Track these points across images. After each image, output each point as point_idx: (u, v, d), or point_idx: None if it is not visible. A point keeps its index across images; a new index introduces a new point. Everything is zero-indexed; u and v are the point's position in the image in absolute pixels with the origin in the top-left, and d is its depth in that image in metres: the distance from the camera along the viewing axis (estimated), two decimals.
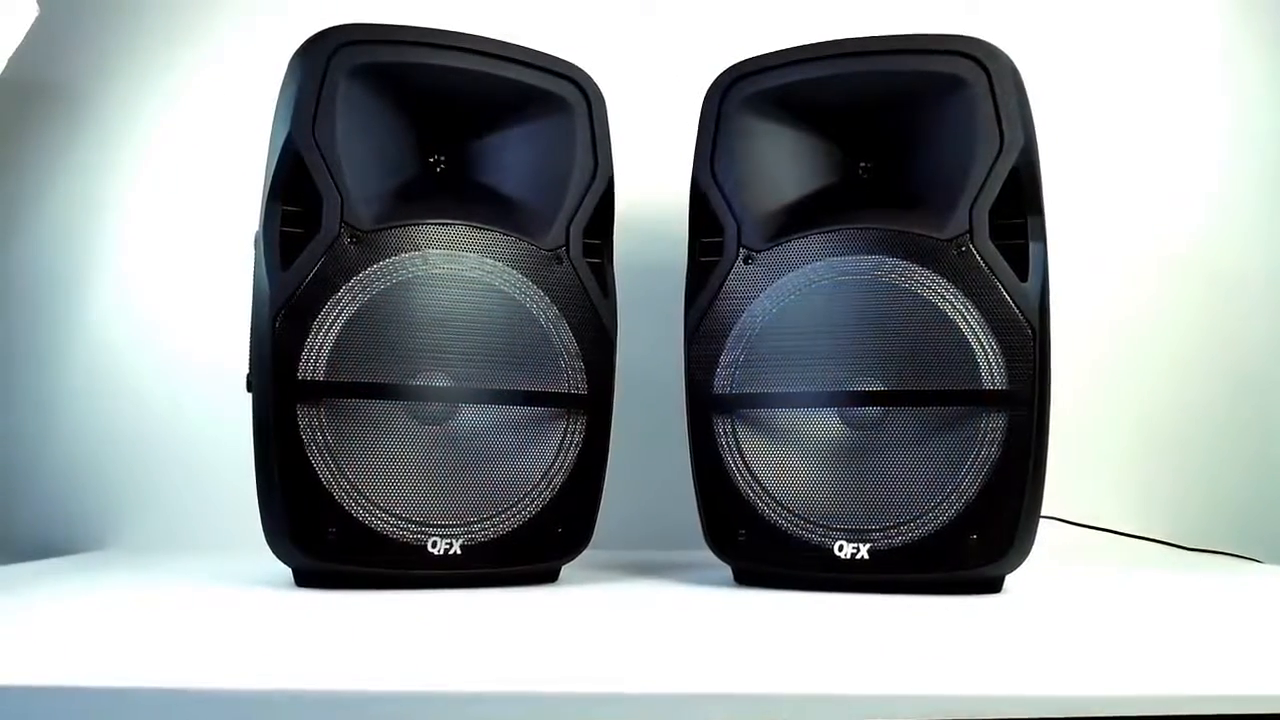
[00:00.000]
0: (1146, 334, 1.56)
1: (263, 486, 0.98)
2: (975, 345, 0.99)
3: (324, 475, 0.96)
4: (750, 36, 1.19)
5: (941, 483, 0.98)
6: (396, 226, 1.00)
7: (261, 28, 1.53)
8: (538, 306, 1.04)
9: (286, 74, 1.01)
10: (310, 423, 0.97)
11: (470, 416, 1.01)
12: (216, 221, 1.50)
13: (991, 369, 0.98)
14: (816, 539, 1.00)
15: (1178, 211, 1.57)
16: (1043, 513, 1.00)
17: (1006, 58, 1.02)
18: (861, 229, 1.03)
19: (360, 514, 0.97)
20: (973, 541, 0.97)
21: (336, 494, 0.97)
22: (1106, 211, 1.56)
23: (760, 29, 1.43)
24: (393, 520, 0.98)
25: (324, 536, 0.96)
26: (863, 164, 1.10)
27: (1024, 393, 0.98)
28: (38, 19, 1.34)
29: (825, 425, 1.02)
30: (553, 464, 1.04)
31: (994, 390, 0.98)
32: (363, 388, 0.98)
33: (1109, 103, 1.57)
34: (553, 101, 1.07)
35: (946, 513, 0.98)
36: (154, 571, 1.15)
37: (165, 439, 1.48)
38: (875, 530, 0.99)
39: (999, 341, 0.98)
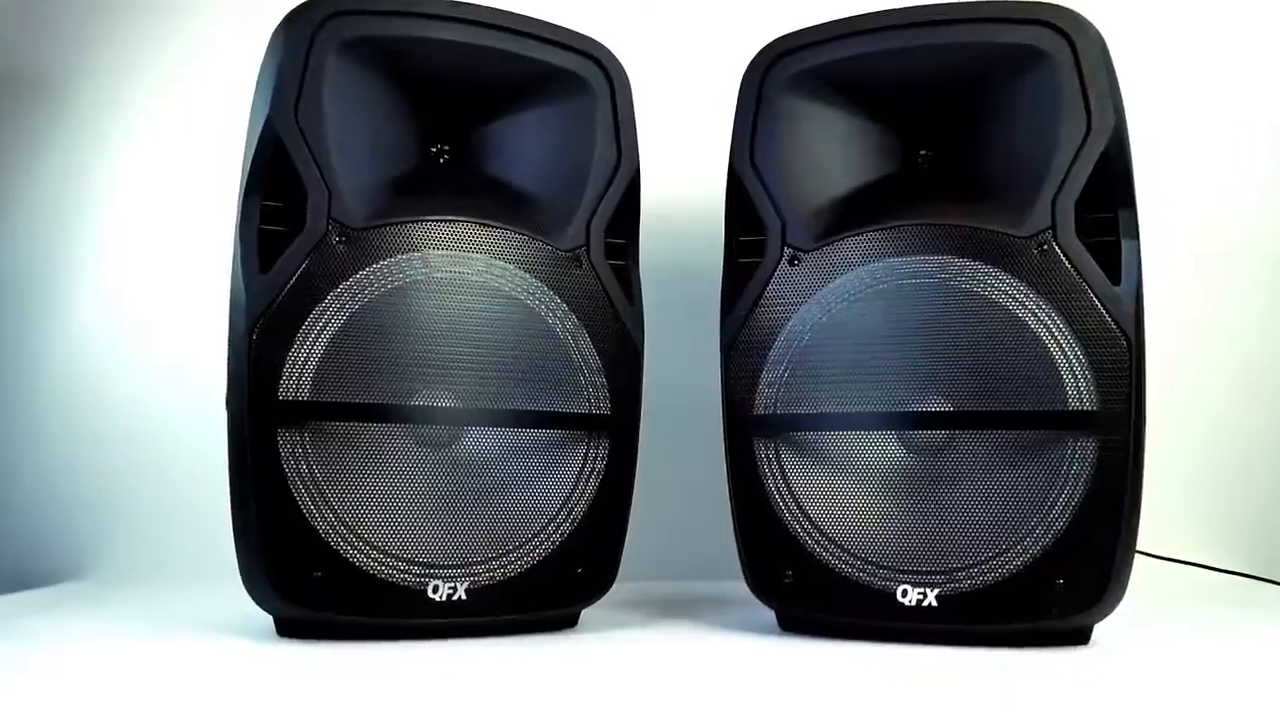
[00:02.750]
0: (1212, 338, 1.43)
1: (239, 523, 0.86)
2: (1060, 359, 0.87)
3: (308, 509, 0.85)
4: (793, 8, 1.07)
5: (1022, 518, 0.87)
6: (392, 224, 0.89)
7: (253, 11, 1.41)
8: (554, 315, 0.93)
9: (268, 50, 0.90)
10: (293, 449, 0.85)
11: (477, 441, 0.91)
12: (204, 222, 1.40)
13: (1079, 387, 0.86)
14: (876, 582, 0.89)
15: (1242, 200, 1.44)
16: None
17: (1093, 27, 0.89)
18: (924, 225, 0.91)
19: (350, 554, 0.86)
20: (1059, 586, 0.85)
21: (323, 531, 0.85)
22: (1163, 200, 1.40)
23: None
24: (388, 561, 0.87)
25: (308, 580, 0.85)
26: (924, 151, 0.98)
27: (1117, 414, 0.86)
28: (13, 8, 1.23)
29: (884, 451, 0.91)
30: (571, 494, 0.93)
31: (1082, 411, 0.86)
32: (354, 409, 0.87)
33: (1164, 82, 1.43)
34: (571, 82, 0.96)
35: (1028, 553, 0.86)
36: (123, 613, 1.04)
37: (151, 460, 1.38)
38: (944, 573, 0.88)
39: (1088, 355, 0.86)
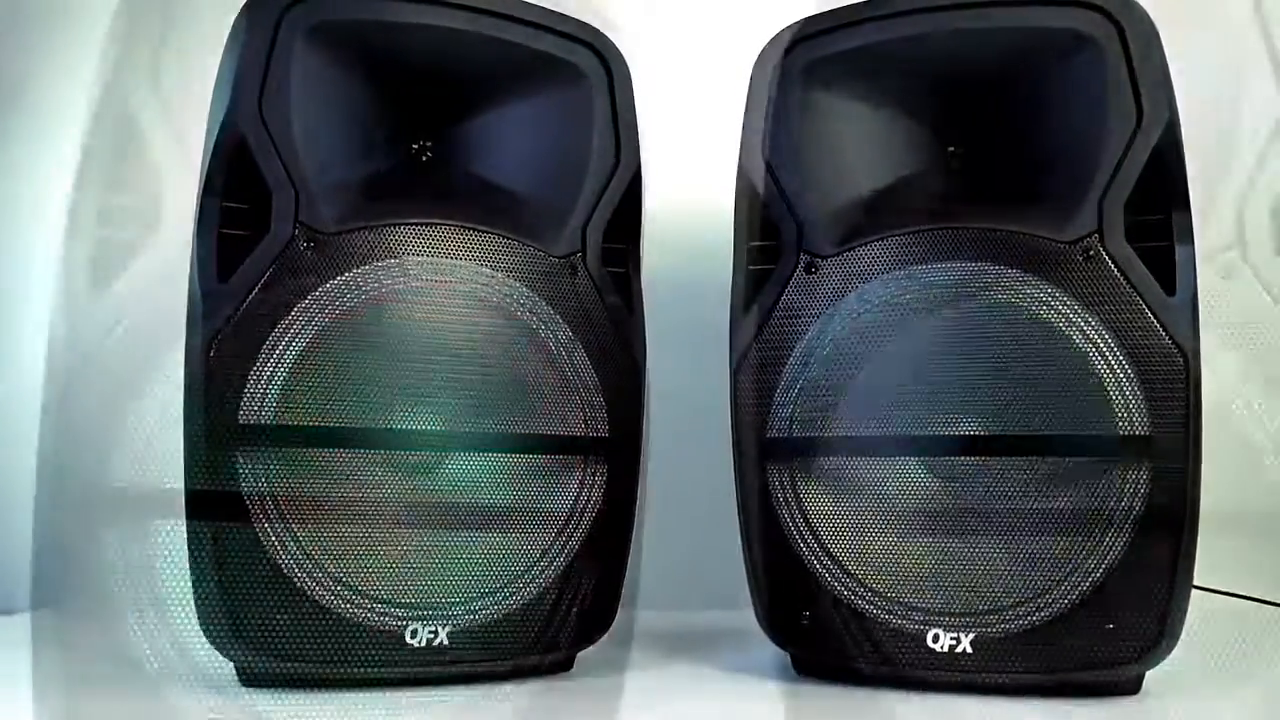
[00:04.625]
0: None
1: (195, 559, 0.78)
2: (1108, 377, 0.79)
3: (272, 544, 0.77)
4: None
5: (1066, 555, 0.79)
6: (367, 228, 0.81)
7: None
8: (546, 327, 0.86)
9: (229, 37, 0.82)
10: (255, 477, 0.77)
11: (461, 468, 0.83)
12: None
13: (1130, 409, 0.78)
14: (903, 625, 0.82)
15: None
16: None
17: (1143, 10, 0.81)
18: (956, 229, 0.83)
19: (319, 594, 0.78)
20: (1108, 631, 0.78)
21: (287, 568, 0.77)
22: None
23: None
24: (361, 602, 0.79)
25: (273, 624, 0.77)
26: (954, 146, 0.90)
27: (1173, 440, 0.78)
28: None
29: (912, 479, 0.83)
30: (566, 526, 0.86)
31: (1134, 436, 0.78)
32: (323, 433, 0.79)
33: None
34: (565, 71, 0.89)
35: (1072, 593, 0.78)
36: (71, 656, 0.97)
37: (106, 482, 1.28)
38: (979, 615, 0.80)
39: (1139, 373, 0.78)
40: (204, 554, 0.77)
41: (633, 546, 0.90)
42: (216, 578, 0.76)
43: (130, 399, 0.97)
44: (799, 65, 0.88)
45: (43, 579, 1.20)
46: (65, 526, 1.21)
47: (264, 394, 0.77)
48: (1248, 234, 1.26)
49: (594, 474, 0.87)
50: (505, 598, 0.82)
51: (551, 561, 0.84)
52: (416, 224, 0.82)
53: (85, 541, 1.19)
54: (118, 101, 0.76)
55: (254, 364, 0.77)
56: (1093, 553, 0.78)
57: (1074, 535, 0.78)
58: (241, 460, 0.77)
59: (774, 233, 0.87)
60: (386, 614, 0.79)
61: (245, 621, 0.77)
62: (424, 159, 0.90)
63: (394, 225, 0.81)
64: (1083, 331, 0.79)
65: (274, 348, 0.78)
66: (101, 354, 1.19)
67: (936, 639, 0.80)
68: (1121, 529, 0.77)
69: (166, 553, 0.89)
